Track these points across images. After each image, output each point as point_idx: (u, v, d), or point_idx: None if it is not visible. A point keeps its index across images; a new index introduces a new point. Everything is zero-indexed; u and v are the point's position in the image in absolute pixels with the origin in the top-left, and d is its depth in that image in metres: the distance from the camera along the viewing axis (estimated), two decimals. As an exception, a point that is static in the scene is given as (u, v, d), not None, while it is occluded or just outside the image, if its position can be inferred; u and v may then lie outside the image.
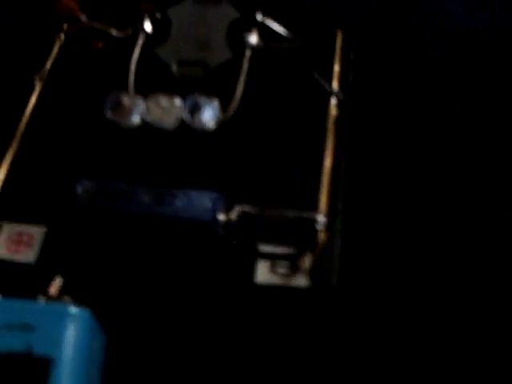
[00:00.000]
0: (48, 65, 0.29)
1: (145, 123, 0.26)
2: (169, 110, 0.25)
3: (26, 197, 0.26)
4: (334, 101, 0.27)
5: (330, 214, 0.24)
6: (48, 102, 0.28)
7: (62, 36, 0.29)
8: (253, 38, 0.27)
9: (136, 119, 0.26)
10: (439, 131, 0.27)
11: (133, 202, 0.25)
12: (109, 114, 0.26)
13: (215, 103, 0.25)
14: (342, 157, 0.25)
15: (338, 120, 0.26)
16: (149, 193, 0.25)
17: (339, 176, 0.25)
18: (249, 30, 0.27)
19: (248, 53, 0.26)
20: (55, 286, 0.23)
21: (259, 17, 0.27)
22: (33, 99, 0.28)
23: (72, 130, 0.27)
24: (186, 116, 0.25)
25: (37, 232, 0.25)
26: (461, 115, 0.28)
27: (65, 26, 0.29)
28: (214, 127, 0.26)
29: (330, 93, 0.27)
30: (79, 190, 0.25)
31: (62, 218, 0.25)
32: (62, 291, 0.24)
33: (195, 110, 0.25)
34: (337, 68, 0.28)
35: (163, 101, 0.25)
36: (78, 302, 0.23)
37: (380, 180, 0.26)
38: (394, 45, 0.30)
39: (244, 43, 0.27)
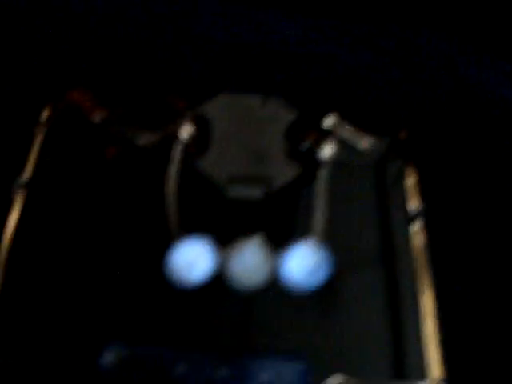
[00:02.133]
0: (26, 173, 0.21)
1: (215, 279, 0.19)
2: (259, 265, 0.18)
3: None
4: (417, 225, 0.21)
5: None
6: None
7: (43, 130, 0.22)
8: (327, 150, 0.21)
9: (203, 273, 0.19)
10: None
11: (200, 377, 0.18)
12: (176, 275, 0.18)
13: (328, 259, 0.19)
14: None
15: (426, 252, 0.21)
16: (221, 363, 0.18)
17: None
18: (319, 139, 0.21)
19: (324, 171, 0.20)
20: None
21: (330, 121, 0.21)
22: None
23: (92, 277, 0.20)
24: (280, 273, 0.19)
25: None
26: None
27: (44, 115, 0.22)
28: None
29: (413, 215, 0.21)
30: (106, 357, 0.18)
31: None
32: None
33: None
34: (412, 181, 0.22)
35: (250, 254, 0.18)
36: None
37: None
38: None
39: (314, 155, 0.21)
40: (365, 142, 0.21)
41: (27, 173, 0.21)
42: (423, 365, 0.19)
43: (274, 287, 0.19)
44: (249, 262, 0.18)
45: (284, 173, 0.20)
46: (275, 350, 0.19)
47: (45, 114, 0.22)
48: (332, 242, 0.19)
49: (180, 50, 0.24)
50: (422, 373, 0.19)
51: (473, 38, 0.27)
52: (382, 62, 0.26)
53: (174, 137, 0.20)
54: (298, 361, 0.18)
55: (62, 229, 0.21)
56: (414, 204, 0.22)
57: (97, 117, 0.20)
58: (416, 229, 0.21)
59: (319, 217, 0.19)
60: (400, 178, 0.22)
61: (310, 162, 0.21)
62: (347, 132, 0.21)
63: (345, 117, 0.21)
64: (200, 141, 0.21)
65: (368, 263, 0.20)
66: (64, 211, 0.21)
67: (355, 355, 0.19)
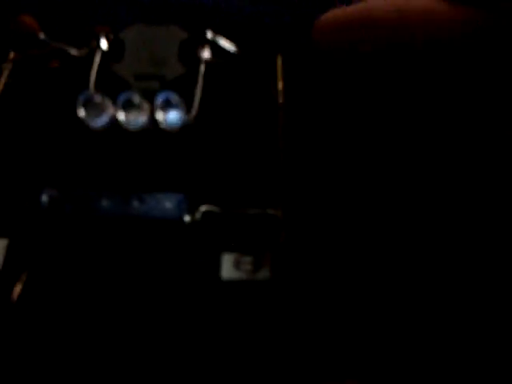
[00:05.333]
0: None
1: (111, 125, 0.27)
2: (141, 106, 0.27)
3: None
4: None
5: (289, 210, 0.26)
6: (4, 118, 0.29)
7: (9, 64, 0.30)
8: (206, 54, 0.29)
9: (106, 118, 0.27)
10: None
11: (99, 207, 0.26)
12: (81, 113, 0.27)
13: (183, 103, 0.27)
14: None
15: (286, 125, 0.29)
16: (116, 197, 0.26)
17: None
18: (202, 47, 0.29)
19: (203, 67, 0.29)
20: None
21: (209, 35, 0.29)
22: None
23: (32, 140, 0.28)
24: (157, 113, 0.27)
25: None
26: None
27: (11, 55, 0.30)
28: (180, 127, 0.27)
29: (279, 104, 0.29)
30: (44, 198, 0.26)
31: (25, 227, 0.26)
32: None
33: (167, 107, 0.27)
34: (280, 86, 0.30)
35: (135, 98, 0.27)
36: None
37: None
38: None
39: (197, 58, 0.29)
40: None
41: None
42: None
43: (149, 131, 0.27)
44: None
45: (174, 71, 0.29)
46: (158, 184, 0.27)
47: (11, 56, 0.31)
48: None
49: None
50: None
51: None
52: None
53: (97, 49, 0.29)
54: (176, 192, 0.26)
55: (22, 122, 0.29)
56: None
57: (41, 35, 0.29)
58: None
59: (197, 97, 0.28)
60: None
61: (194, 64, 0.29)
62: (224, 42, 0.30)
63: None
64: (115, 53, 0.29)
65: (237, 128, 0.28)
66: (22, 110, 0.29)
67: (227, 188, 0.27)
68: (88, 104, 0.27)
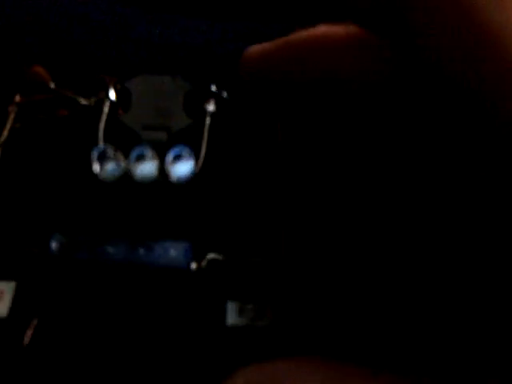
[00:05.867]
0: (4, 134, 0.30)
1: (122, 176, 0.28)
2: (151, 158, 0.28)
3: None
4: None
5: (291, 260, 0.27)
6: (12, 166, 0.29)
7: (15, 107, 0.31)
8: (211, 106, 0.30)
9: (119, 172, 0.28)
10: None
11: (107, 254, 0.27)
12: (95, 167, 0.28)
13: (192, 156, 0.28)
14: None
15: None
16: (124, 245, 0.27)
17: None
18: (207, 99, 0.30)
19: (208, 119, 0.30)
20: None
21: (213, 88, 0.31)
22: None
23: (43, 187, 0.29)
24: (168, 166, 0.28)
25: (7, 286, 0.27)
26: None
27: (17, 98, 0.31)
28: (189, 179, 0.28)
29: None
30: (53, 244, 0.27)
31: (34, 271, 0.27)
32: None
33: (176, 160, 0.28)
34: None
35: (147, 152, 0.28)
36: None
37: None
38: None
39: (203, 110, 0.30)
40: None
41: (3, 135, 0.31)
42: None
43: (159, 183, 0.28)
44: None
45: (179, 123, 0.30)
46: (165, 233, 0.28)
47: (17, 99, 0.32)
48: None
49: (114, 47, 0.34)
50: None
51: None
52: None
53: (105, 99, 0.30)
54: (182, 241, 0.28)
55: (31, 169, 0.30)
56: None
57: (51, 84, 0.30)
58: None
59: (203, 149, 0.29)
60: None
61: (200, 116, 0.30)
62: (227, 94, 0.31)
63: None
64: (123, 103, 0.30)
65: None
66: (30, 157, 0.30)
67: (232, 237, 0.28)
68: (101, 157, 0.28)
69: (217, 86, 0.31)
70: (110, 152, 0.28)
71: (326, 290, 0.28)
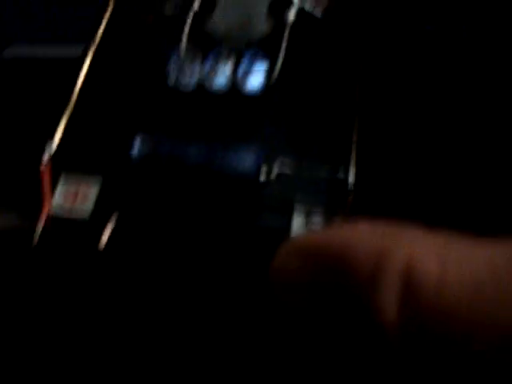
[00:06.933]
0: (100, 31, 0.32)
1: (198, 86, 0.29)
2: (227, 66, 0.29)
3: (83, 151, 0.29)
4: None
5: (360, 175, 0.28)
6: (101, 67, 0.31)
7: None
8: (291, 16, 0.31)
9: (194, 80, 0.29)
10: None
11: (187, 155, 0.28)
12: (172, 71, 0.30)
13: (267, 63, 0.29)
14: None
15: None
16: (204, 148, 0.28)
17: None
18: (288, 9, 0.31)
19: (288, 29, 0.30)
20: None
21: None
22: (86, 62, 0.31)
23: (128, 89, 0.30)
24: (242, 75, 0.29)
25: (93, 181, 0.28)
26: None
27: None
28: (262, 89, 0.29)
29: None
30: (137, 142, 0.29)
31: (118, 169, 0.29)
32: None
33: (249, 68, 0.29)
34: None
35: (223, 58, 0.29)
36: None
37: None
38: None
39: (283, 21, 0.31)
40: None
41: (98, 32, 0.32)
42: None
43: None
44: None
45: (260, 32, 0.31)
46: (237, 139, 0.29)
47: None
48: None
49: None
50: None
51: None
52: None
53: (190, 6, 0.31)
54: (253, 147, 0.29)
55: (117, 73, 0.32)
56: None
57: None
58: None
59: (279, 59, 0.30)
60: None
61: (281, 27, 0.31)
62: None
63: None
64: (206, 11, 0.31)
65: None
66: (118, 60, 0.32)
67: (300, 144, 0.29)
68: (179, 64, 0.29)
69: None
70: (189, 59, 0.29)
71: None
